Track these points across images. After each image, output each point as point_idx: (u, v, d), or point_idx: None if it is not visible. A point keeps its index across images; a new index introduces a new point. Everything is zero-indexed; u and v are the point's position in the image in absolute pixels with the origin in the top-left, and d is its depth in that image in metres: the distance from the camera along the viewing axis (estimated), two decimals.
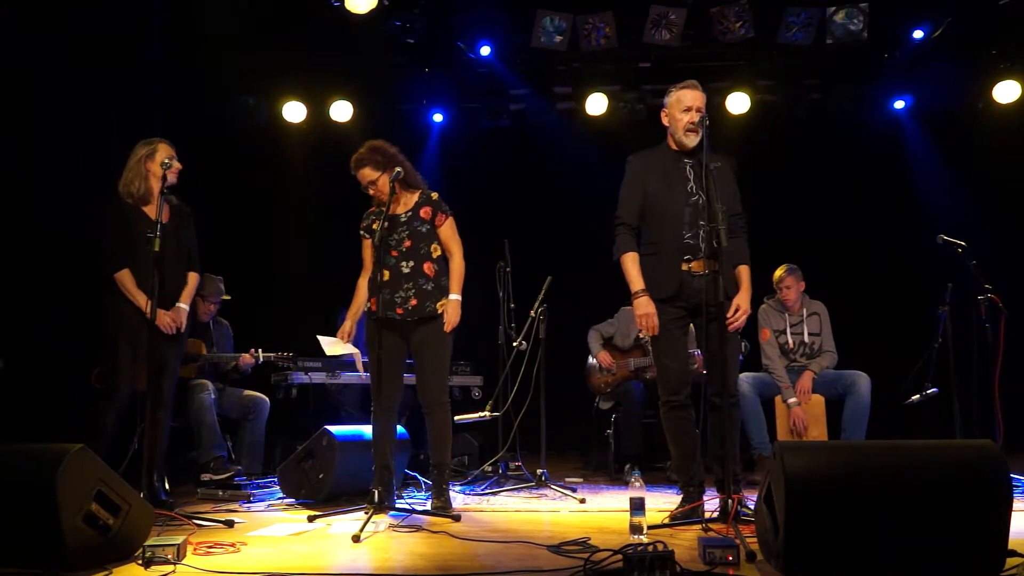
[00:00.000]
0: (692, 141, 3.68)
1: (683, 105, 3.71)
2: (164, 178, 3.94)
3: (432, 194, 4.10)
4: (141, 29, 5.70)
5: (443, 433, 4.02)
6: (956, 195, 6.62)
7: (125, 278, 4.09)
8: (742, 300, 3.66)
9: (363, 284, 4.13)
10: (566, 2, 6.13)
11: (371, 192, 4.06)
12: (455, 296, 4.00)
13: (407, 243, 4.01)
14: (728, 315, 3.59)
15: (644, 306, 3.67)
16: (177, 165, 4.09)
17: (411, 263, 3.98)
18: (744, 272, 3.75)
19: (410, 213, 4.05)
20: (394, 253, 3.99)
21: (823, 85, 6.83)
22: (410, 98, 7.13)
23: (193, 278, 4.29)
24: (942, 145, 6.87)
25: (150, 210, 4.12)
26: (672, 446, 3.77)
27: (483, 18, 6.38)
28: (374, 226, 4.04)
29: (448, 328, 3.96)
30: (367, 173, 4.02)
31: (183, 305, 4.19)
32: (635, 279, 3.71)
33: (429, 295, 3.97)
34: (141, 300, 4.02)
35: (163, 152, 4.12)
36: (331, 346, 4.32)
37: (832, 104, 6.84)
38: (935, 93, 6.74)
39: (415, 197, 4.10)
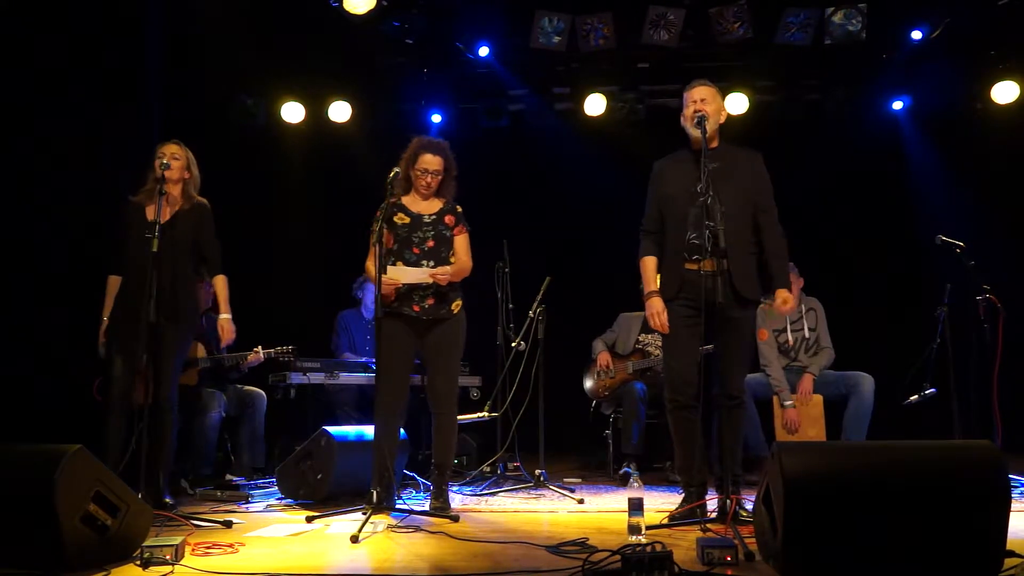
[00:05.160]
0: (698, 133, 3.68)
1: (689, 100, 3.78)
2: (162, 178, 3.94)
3: (457, 206, 4.14)
4: (141, 29, 5.70)
5: (449, 435, 4.04)
6: (955, 195, 6.62)
7: (109, 284, 4.19)
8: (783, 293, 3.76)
9: (369, 267, 4.09)
10: (565, 3, 6.13)
11: (422, 180, 4.03)
12: (442, 268, 3.96)
13: (430, 243, 4.04)
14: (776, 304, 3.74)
15: (653, 306, 3.75)
16: (171, 164, 4.07)
17: (431, 263, 4.00)
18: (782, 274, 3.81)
19: (435, 216, 4.08)
20: (415, 251, 4.01)
21: (821, 85, 6.82)
22: (409, 98, 7.12)
23: (219, 282, 4.29)
24: (941, 146, 6.87)
25: (151, 210, 4.12)
26: (675, 445, 3.78)
27: (482, 18, 6.39)
28: (395, 219, 4.03)
29: (432, 274, 3.89)
30: (439, 162, 4.05)
31: (225, 316, 4.25)
32: (648, 281, 3.82)
33: (446, 296, 4.01)
34: (105, 309, 4.14)
35: (160, 153, 4.14)
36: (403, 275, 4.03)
37: (830, 105, 6.83)
38: (933, 94, 6.75)
39: (440, 203, 4.12)
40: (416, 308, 3.97)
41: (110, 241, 4.21)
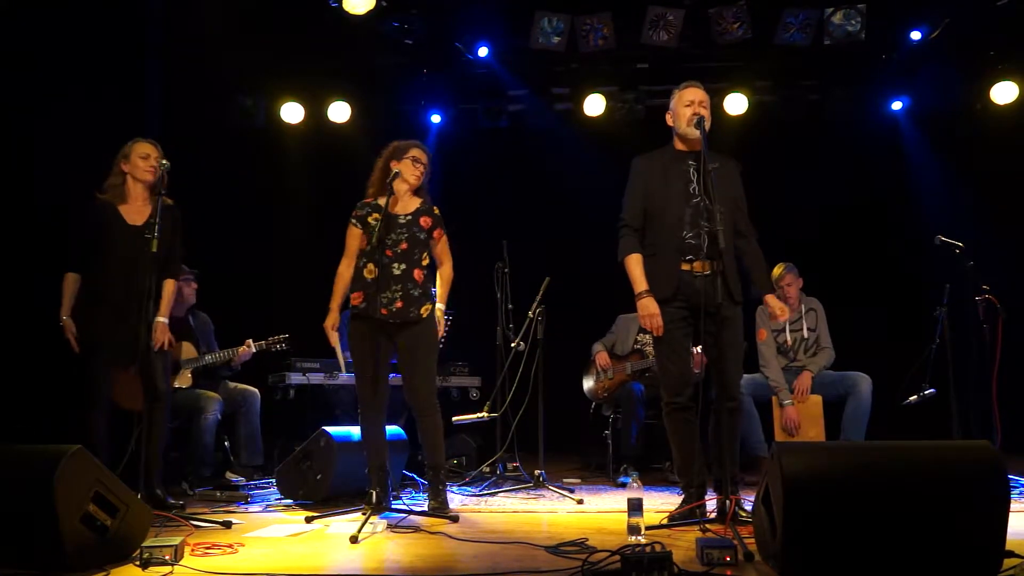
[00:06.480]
0: (696, 134, 3.66)
1: (686, 100, 3.75)
2: (162, 177, 3.91)
3: (434, 208, 4.11)
4: (141, 29, 5.70)
5: (436, 435, 4.02)
6: (954, 196, 6.63)
7: (67, 281, 4.08)
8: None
9: (343, 272, 4.09)
10: (564, 3, 6.13)
11: (415, 170, 4.05)
12: (441, 306, 4.05)
13: (403, 245, 3.98)
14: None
15: (647, 307, 3.67)
16: (155, 164, 4.02)
17: (403, 266, 3.97)
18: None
19: (410, 217, 4.04)
20: (388, 253, 3.97)
21: (821, 86, 6.83)
22: (408, 99, 7.12)
23: (169, 286, 4.16)
24: (940, 146, 6.87)
25: (125, 209, 4.08)
26: (673, 448, 3.76)
27: (481, 19, 6.39)
28: (370, 219, 4.01)
29: (442, 336, 4.00)
30: (426, 157, 4.10)
31: (163, 320, 4.07)
32: (638, 280, 3.71)
33: (415, 300, 3.95)
34: (63, 308, 4.05)
35: (136, 151, 4.10)
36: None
37: (830, 105, 6.83)
38: (933, 94, 6.74)
39: (416, 203, 4.10)
40: (384, 311, 3.92)
41: (72, 238, 4.13)
